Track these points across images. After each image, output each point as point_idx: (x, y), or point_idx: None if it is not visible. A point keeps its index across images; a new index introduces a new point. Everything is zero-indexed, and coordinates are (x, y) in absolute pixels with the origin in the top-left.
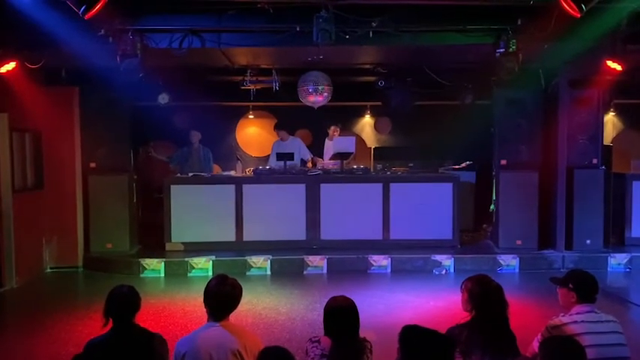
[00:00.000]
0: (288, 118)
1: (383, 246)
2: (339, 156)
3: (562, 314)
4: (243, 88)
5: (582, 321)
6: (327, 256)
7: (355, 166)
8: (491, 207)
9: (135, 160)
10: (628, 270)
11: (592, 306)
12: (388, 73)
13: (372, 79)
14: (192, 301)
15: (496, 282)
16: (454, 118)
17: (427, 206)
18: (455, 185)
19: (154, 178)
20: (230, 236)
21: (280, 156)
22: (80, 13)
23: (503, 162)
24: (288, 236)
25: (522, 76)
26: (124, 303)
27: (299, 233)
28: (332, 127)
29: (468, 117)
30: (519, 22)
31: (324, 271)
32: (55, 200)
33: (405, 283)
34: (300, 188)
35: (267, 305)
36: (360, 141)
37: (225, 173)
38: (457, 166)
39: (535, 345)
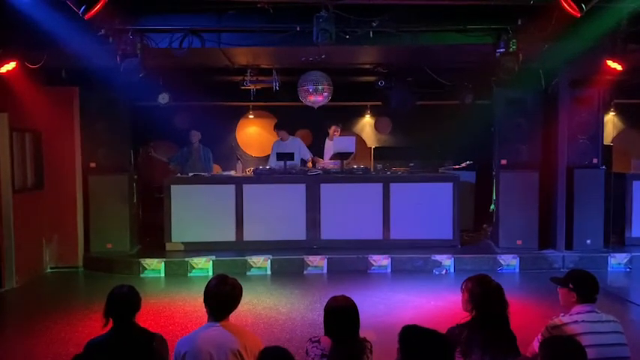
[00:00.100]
0: (288, 118)
1: (383, 246)
2: (339, 156)
3: (562, 314)
4: (243, 88)
5: (583, 321)
6: (327, 256)
7: (355, 166)
8: (492, 207)
9: (135, 160)
10: (628, 270)
11: (592, 306)
12: (388, 73)
13: (372, 79)
14: (192, 301)
15: (496, 282)
16: (454, 118)
17: (427, 206)
18: (455, 185)
19: (154, 178)
20: (230, 236)
21: (280, 156)
22: (80, 13)
23: (504, 162)
24: (288, 236)
25: (522, 76)
26: (124, 303)
27: (299, 233)
28: (332, 127)
29: (468, 117)
30: (519, 22)
31: (325, 271)
32: (55, 200)
33: (405, 283)
34: (300, 188)
35: (267, 305)
36: (360, 141)
37: (226, 173)
38: (457, 166)
39: (535, 345)
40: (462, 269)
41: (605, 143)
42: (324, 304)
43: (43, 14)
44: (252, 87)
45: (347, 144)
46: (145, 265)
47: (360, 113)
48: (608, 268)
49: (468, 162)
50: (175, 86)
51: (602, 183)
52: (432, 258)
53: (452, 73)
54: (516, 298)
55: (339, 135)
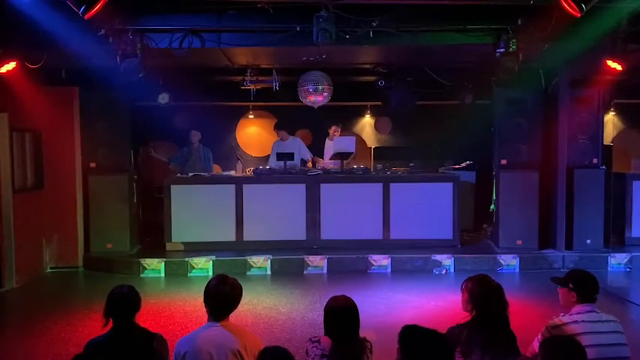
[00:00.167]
0: (288, 118)
1: (383, 246)
2: (339, 156)
3: (562, 314)
4: (243, 88)
5: (582, 321)
6: (327, 256)
7: (355, 166)
8: (492, 207)
9: (135, 160)
10: (628, 270)
11: (592, 306)
12: (388, 72)
13: (372, 78)
14: (192, 301)
15: (496, 282)
16: (454, 118)
17: (427, 206)
18: (455, 185)
19: (154, 178)
20: (230, 236)
21: (280, 156)
22: (80, 13)
23: (504, 162)
24: (288, 236)
25: (522, 76)
26: (124, 303)
27: (299, 233)
28: (332, 127)
29: (468, 117)
30: (519, 22)
31: (325, 271)
32: (55, 200)
33: (406, 282)
34: (300, 188)
35: (267, 305)
36: (360, 141)
37: (225, 173)
38: (457, 166)
39: (535, 345)
40: (462, 269)
41: (605, 143)
42: (324, 304)
43: (43, 14)
44: (252, 87)
45: (347, 144)
46: (145, 265)
47: (360, 113)
48: (608, 268)
49: (467, 162)
50: (175, 86)
51: (602, 183)
52: (432, 258)
53: (452, 73)
54: (516, 298)
55: (339, 135)
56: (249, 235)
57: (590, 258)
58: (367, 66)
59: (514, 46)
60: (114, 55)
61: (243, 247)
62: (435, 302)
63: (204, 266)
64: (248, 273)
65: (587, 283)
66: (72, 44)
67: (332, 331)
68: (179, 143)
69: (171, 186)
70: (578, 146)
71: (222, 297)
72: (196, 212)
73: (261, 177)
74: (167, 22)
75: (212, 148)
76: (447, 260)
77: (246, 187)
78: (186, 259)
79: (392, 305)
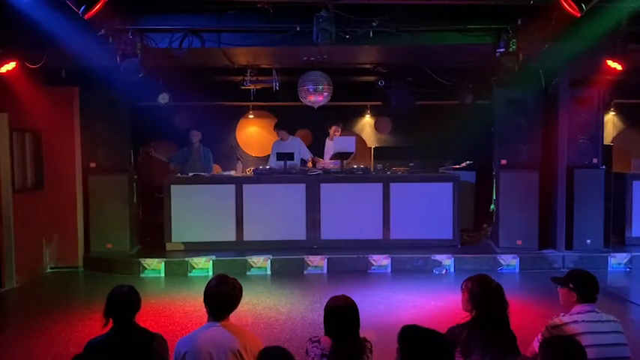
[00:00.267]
0: (288, 118)
1: (383, 246)
2: (340, 156)
3: (562, 314)
4: (243, 88)
5: (583, 320)
6: (328, 256)
7: (355, 166)
8: (492, 207)
9: (135, 160)
10: (628, 269)
11: (593, 306)
12: (388, 72)
13: (372, 78)
14: (192, 301)
15: (496, 282)
16: (454, 118)
17: (427, 206)
18: (455, 185)
19: (154, 178)
20: (230, 236)
21: (280, 156)
22: (80, 13)
23: (504, 162)
24: (289, 236)
25: (522, 76)
26: (124, 303)
27: (299, 233)
28: (333, 127)
29: (468, 117)
30: (519, 22)
31: (325, 271)
32: (55, 200)
33: (406, 282)
34: (300, 188)
35: (267, 305)
36: (361, 141)
37: (226, 173)
38: (457, 166)
39: (535, 345)
40: (462, 269)
41: (605, 143)
42: (324, 304)
43: (43, 14)
44: (252, 87)
45: (347, 144)
46: (145, 265)
47: (360, 113)
48: (608, 268)
49: (467, 162)
50: (175, 86)
51: (602, 183)
52: (432, 258)
53: (452, 73)
54: (516, 298)
55: (339, 135)
56: (249, 235)
57: (590, 258)
58: (367, 66)
59: (514, 46)
60: (114, 55)
61: (243, 247)
62: (435, 302)
63: (204, 266)
64: (248, 273)
65: (587, 283)
66: (72, 44)
67: (332, 331)
68: (179, 143)
69: (172, 186)
70: (578, 146)
71: (222, 297)
72: (196, 212)
73: (261, 177)
74: (167, 22)
75: (212, 148)
76: (447, 260)
77: (246, 187)
78: (186, 259)
79: (392, 305)
